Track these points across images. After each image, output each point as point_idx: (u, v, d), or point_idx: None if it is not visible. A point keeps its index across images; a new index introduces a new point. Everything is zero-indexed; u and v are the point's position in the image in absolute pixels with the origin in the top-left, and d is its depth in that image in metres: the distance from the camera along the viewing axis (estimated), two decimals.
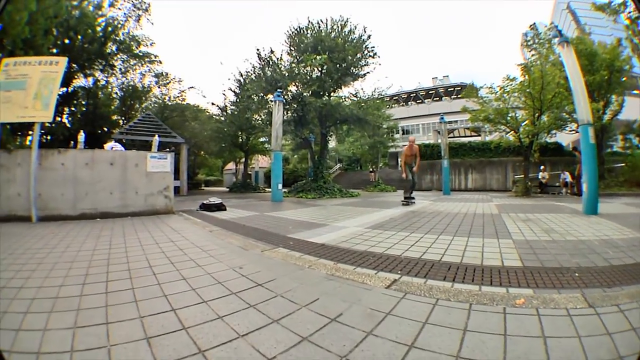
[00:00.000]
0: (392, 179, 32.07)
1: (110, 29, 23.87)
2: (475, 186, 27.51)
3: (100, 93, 24.50)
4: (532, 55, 20.67)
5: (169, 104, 29.17)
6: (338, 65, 19.32)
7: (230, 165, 48.06)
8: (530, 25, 24.23)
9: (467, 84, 45.89)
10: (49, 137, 20.64)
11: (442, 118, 22.07)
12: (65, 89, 20.27)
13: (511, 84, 18.86)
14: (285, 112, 17.98)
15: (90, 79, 23.89)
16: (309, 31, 20.46)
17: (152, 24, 31.21)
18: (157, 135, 13.72)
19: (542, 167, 20.75)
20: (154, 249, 4.39)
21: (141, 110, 27.44)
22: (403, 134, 51.28)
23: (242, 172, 33.64)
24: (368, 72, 21.22)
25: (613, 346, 1.68)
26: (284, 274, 3.21)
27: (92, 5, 22.31)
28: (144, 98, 28.70)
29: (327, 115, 19.33)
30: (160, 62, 27.36)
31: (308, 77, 19.05)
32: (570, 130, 20.83)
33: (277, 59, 19.95)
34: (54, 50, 17.48)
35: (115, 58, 25.28)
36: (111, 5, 24.65)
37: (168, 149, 12.98)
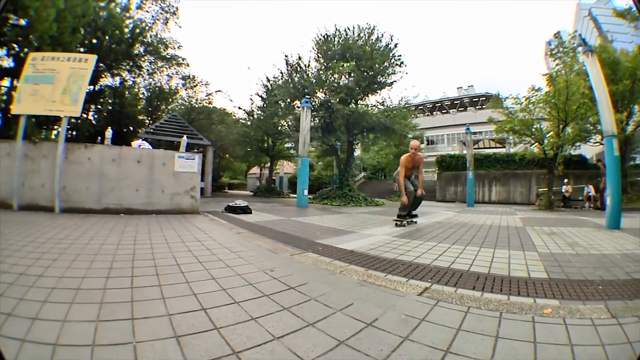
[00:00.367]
0: None
1: (137, 30, 24.35)
2: (499, 199, 27.25)
3: (127, 93, 25.07)
4: (557, 64, 20.44)
5: (196, 106, 29.47)
6: (365, 73, 19.34)
7: (254, 170, 48.58)
8: (555, 34, 24.01)
9: (492, 94, 45.58)
10: (74, 133, 21.10)
11: (468, 129, 21.99)
12: (92, 86, 20.66)
13: (536, 95, 18.61)
14: (312, 119, 18.00)
15: (117, 79, 24.50)
16: (336, 38, 20.52)
17: (180, 27, 31.60)
18: (185, 136, 13.96)
19: (565, 180, 20.48)
20: (180, 247, 4.45)
21: (167, 112, 27.85)
22: (428, 144, 51.48)
23: (267, 176, 34.01)
24: (395, 81, 21.19)
25: (633, 354, 1.79)
26: (316, 278, 3.23)
27: (119, 7, 22.86)
28: (170, 99, 29.14)
29: (354, 123, 19.35)
30: (188, 65, 27.73)
31: (336, 85, 19.04)
32: (595, 142, 20.58)
33: (305, 65, 20.12)
34: (81, 50, 18.00)
35: (142, 59, 25.82)
36: (139, 7, 25.18)
37: (196, 150, 13.21)
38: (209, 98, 30.23)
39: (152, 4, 25.66)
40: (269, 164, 32.73)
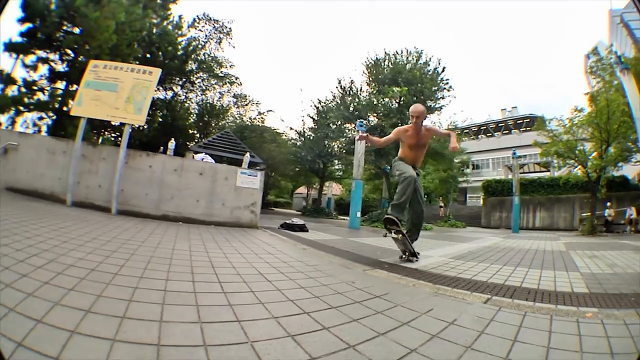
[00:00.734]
0: (461, 214, 32.32)
1: (191, 48, 25.56)
2: (543, 224, 26.75)
3: (178, 107, 26.23)
4: (597, 82, 20.39)
5: (248, 124, 30.27)
6: (415, 98, 19.37)
7: (301, 189, 49.36)
8: (592, 49, 23.82)
9: (536, 115, 44.73)
10: (120, 138, 22.27)
11: (515, 153, 22.09)
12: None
13: (579, 115, 18.73)
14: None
15: (170, 93, 25.72)
16: (386, 62, 21.08)
17: (234, 47, 32.76)
18: (248, 154, 14.66)
19: (608, 204, 20.32)
20: (254, 258, 4.73)
21: (218, 128, 28.74)
22: (473, 168, 50.51)
23: (315, 197, 34.78)
24: (444, 105, 21.62)
25: None
26: (394, 289, 3.55)
27: (171, 25, 23.99)
28: (221, 116, 30.09)
29: None
30: (241, 84, 28.82)
31: (388, 109, 19.39)
32: (636, 162, 20.27)
33: (357, 89, 20.93)
34: (136, 62, 18.93)
35: (195, 76, 26.98)
36: (190, 26, 26.45)
37: (258, 168, 13.84)
38: (262, 117, 31.03)
39: (205, 23, 26.98)
40: (318, 185, 33.34)
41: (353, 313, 2.66)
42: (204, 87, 28.18)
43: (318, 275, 4.04)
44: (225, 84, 28.60)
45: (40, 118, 20.13)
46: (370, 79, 21.73)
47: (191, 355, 1.75)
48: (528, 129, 47.49)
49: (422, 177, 27.04)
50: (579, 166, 19.94)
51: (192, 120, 28.72)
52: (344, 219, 20.11)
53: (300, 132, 28.99)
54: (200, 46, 26.73)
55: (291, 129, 30.73)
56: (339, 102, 21.94)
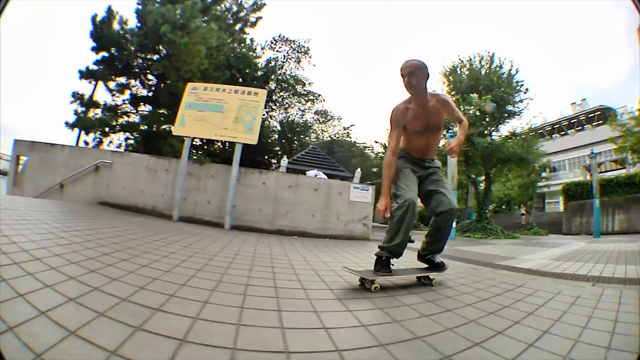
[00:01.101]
0: (542, 221, 31.02)
1: (269, 68, 26.56)
2: (621, 228, 24.20)
3: (261, 124, 27.46)
4: None
5: (336, 139, 31.47)
6: (496, 104, 19.47)
7: None
8: None
9: (608, 107, 42.76)
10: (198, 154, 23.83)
11: (593, 152, 21.45)
12: None
13: None
14: None
15: None
16: (463, 69, 21.17)
17: (314, 65, 33.57)
18: (359, 169, 15.92)
19: None
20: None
21: (300, 145, 29.82)
22: (551, 171, 46.49)
23: None
24: (523, 109, 21.11)
25: None
26: (524, 282, 4.37)
27: (245, 47, 25.08)
28: (304, 133, 31.15)
29: (489, 155, 19.65)
30: (323, 100, 30.29)
31: (473, 118, 19.19)
32: None
33: None
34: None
35: (277, 95, 28.22)
36: (264, 48, 27.83)
37: (369, 182, 14.47)
38: (346, 132, 32.21)
39: (282, 44, 28.50)
40: None
41: (503, 302, 3.30)
42: (285, 105, 29.30)
43: (456, 277, 4.54)
44: (308, 101, 29.59)
45: (127, 139, 21.80)
46: (450, 87, 21.63)
47: None
48: (600, 122, 44.55)
49: (502, 184, 29.07)
50: None
51: (274, 138, 29.53)
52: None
53: (386, 144, 28.81)
54: (279, 66, 27.75)
55: (376, 142, 30.42)
56: None
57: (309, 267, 4.55)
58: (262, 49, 28.25)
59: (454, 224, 13.98)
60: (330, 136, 32.63)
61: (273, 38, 29.31)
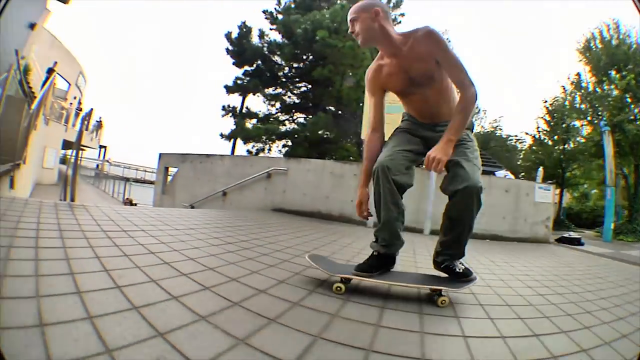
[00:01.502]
0: None
1: None
2: None
3: None
4: None
5: (485, 132, 30.76)
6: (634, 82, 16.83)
7: None
8: None
9: None
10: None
11: None
12: None
13: None
14: None
15: None
16: (595, 42, 18.92)
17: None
18: (540, 167, 14.59)
19: None
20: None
21: None
22: None
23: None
24: None
25: None
26: None
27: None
28: None
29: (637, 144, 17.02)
30: None
31: (618, 101, 17.00)
32: None
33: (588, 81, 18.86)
34: None
35: None
36: None
37: (550, 182, 13.05)
38: (496, 123, 31.64)
39: None
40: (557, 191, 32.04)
41: None
42: None
43: None
44: None
45: (284, 145, 22.58)
46: (591, 67, 19.22)
47: None
48: None
49: None
50: None
51: None
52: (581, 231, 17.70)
53: (535, 136, 26.50)
54: None
55: (526, 134, 28.47)
56: (571, 99, 20.41)
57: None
58: None
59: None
60: (488, 131, 31.54)
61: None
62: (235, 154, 20.77)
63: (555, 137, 23.02)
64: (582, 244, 10.03)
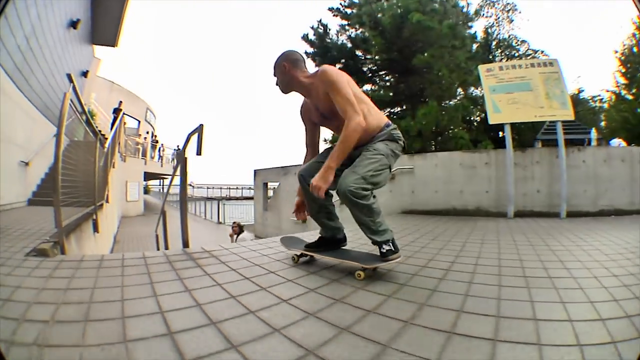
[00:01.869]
0: None
1: (490, 33, 24.33)
2: None
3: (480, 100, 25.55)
4: None
5: (574, 97, 29.14)
6: None
7: None
8: None
9: None
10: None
11: None
12: None
13: None
14: None
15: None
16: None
17: (528, 20, 31.30)
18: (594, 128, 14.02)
19: None
20: None
21: None
22: None
23: None
24: None
25: None
26: None
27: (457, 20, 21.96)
28: None
29: None
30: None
31: None
32: None
33: None
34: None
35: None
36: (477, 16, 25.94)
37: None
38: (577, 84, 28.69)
39: (488, 9, 25.87)
40: None
41: None
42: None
43: None
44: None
45: None
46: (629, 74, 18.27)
47: None
48: None
49: None
50: None
51: None
52: None
53: (615, 92, 24.84)
54: (495, 32, 26.09)
55: (606, 91, 26.17)
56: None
57: None
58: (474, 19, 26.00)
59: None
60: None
61: (479, 5, 26.77)
62: None
63: (634, 90, 21.91)
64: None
